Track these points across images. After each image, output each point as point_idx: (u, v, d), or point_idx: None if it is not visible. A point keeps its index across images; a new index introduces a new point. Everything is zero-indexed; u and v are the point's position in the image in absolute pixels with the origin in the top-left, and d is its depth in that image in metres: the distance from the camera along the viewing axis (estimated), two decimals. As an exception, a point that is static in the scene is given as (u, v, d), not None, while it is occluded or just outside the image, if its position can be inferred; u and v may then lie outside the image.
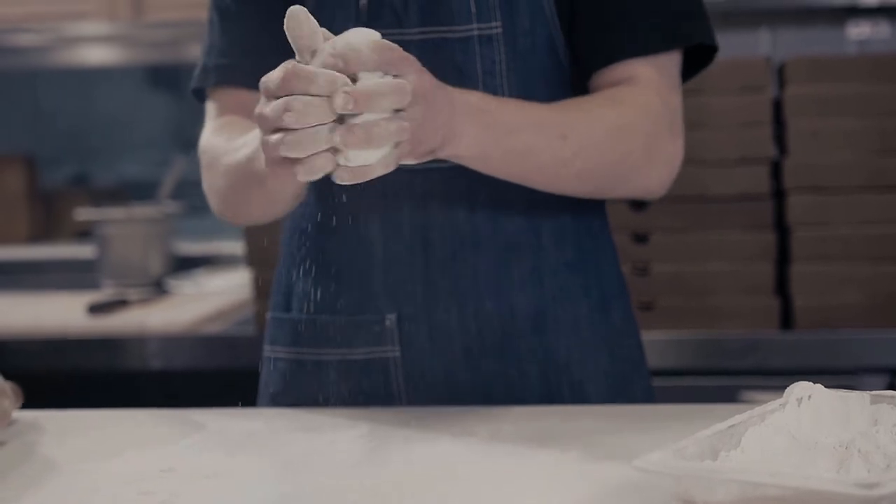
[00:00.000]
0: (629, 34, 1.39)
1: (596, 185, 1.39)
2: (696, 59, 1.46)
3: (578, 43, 1.42)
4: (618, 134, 1.35)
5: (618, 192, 1.42)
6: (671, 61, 1.42)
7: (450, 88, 1.23)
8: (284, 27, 1.14)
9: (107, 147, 4.10)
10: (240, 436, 1.30)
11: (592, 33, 1.41)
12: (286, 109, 1.10)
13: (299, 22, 1.13)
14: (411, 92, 1.14)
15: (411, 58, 1.16)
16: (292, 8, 1.13)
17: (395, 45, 1.15)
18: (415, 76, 1.15)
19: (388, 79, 1.13)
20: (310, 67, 1.11)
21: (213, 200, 1.48)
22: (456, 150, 1.25)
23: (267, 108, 1.13)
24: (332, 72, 1.11)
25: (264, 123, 1.14)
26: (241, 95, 1.47)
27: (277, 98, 1.12)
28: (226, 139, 1.42)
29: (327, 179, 1.16)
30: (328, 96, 1.10)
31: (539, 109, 1.32)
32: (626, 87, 1.39)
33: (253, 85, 1.44)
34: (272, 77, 1.13)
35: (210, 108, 1.52)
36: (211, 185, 1.46)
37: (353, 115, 1.12)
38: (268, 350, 1.52)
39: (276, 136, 1.13)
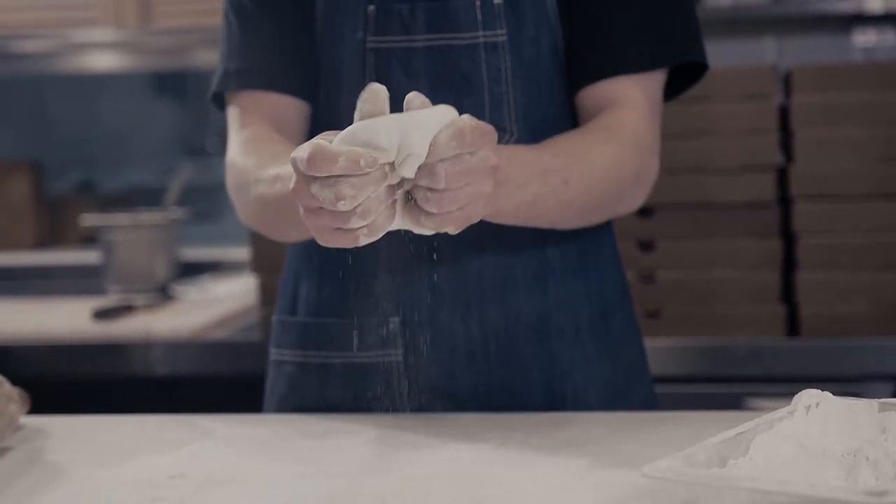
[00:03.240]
0: (619, 52, 1.40)
1: (591, 219, 1.41)
2: (689, 72, 1.46)
3: (571, 56, 1.42)
4: (613, 172, 1.36)
5: (607, 218, 1.44)
6: (656, 79, 1.43)
7: None
8: (359, 100, 1.07)
9: (113, 153, 4.10)
10: (248, 442, 1.31)
11: (584, 48, 1.41)
12: (338, 198, 1.03)
13: (377, 101, 1.07)
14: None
15: (487, 132, 1.09)
16: (373, 86, 1.08)
17: (472, 124, 1.07)
18: (490, 151, 1.09)
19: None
20: (332, 148, 1.03)
21: (245, 218, 1.46)
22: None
23: (310, 190, 1.05)
24: (354, 150, 1.03)
25: (304, 200, 1.07)
26: (263, 99, 1.45)
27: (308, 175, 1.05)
28: (255, 162, 1.38)
29: None
30: (369, 168, 1.03)
31: (542, 155, 1.31)
32: (614, 115, 1.39)
33: (274, 87, 1.45)
34: (299, 156, 1.05)
35: (232, 114, 1.48)
36: (242, 207, 1.44)
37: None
38: (274, 353, 1.52)
39: (329, 217, 1.06)
